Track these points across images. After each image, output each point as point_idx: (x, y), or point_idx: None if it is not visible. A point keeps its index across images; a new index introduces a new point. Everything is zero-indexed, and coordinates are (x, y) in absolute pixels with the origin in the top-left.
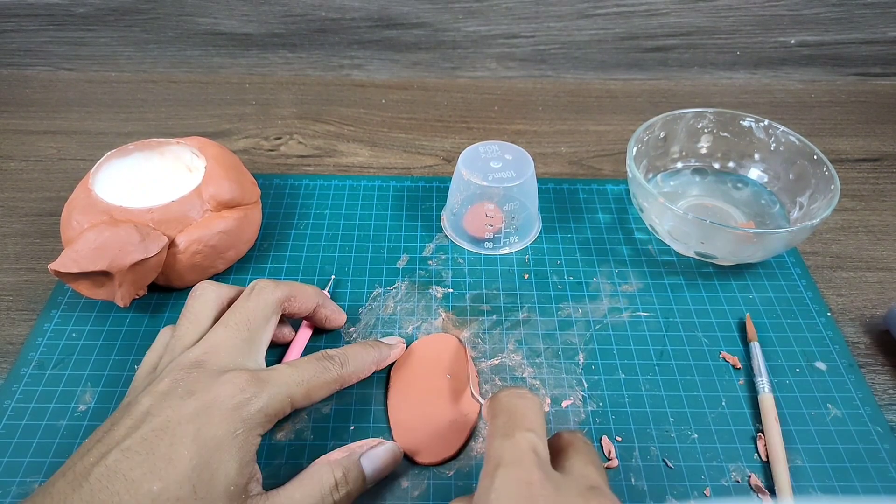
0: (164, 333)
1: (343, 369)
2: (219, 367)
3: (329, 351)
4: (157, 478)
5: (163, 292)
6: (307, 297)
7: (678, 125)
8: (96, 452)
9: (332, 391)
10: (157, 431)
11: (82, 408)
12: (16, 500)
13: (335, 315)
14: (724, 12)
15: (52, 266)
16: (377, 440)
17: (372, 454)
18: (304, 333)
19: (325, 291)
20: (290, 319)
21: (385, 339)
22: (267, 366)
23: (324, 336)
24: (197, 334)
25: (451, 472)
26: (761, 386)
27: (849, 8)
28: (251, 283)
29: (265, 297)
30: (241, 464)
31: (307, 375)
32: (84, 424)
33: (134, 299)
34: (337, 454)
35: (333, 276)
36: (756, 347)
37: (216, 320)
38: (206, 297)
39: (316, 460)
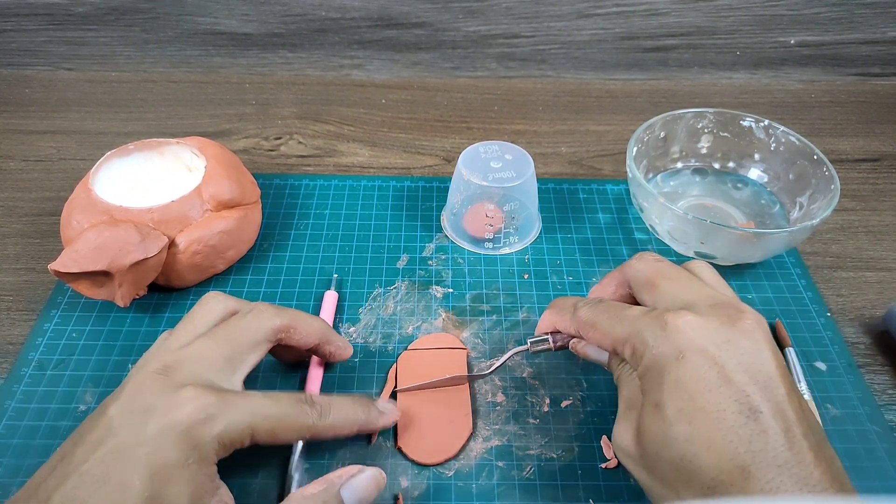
0: (164, 336)
1: (321, 420)
2: (184, 379)
3: (315, 396)
4: None
5: (163, 292)
6: (311, 330)
7: (678, 125)
8: (58, 474)
9: (302, 438)
10: (114, 454)
11: (83, 408)
12: None
13: (340, 351)
14: (724, 12)
15: (52, 266)
16: (357, 467)
17: (353, 484)
18: (317, 370)
19: (317, 315)
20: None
21: (380, 403)
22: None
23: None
24: (189, 342)
25: (451, 473)
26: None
27: (849, 8)
28: (254, 304)
29: (262, 320)
30: (193, 496)
31: (279, 412)
32: None
33: (134, 299)
34: (314, 487)
35: (336, 276)
36: (792, 353)
37: None
38: (210, 307)
39: (290, 496)
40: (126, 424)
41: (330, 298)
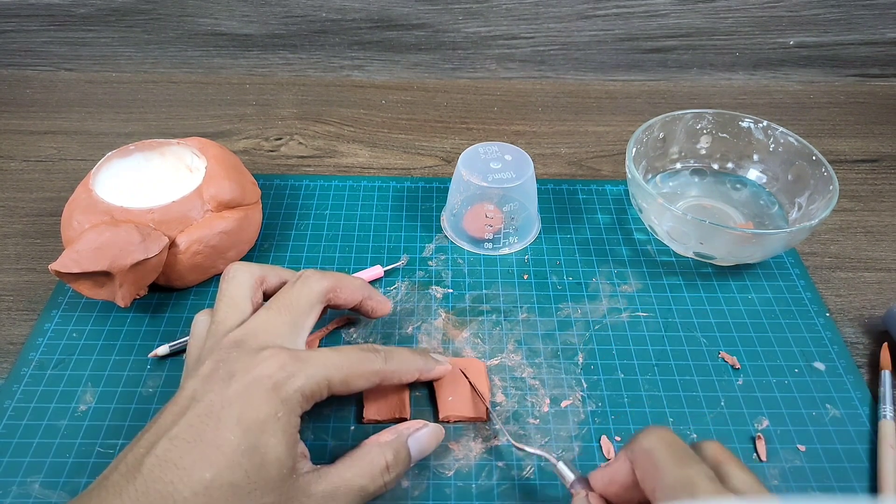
0: (202, 320)
1: (386, 364)
2: (258, 346)
3: (375, 345)
4: (208, 464)
5: (163, 292)
6: (353, 289)
7: (677, 126)
8: (145, 442)
9: (372, 384)
10: (202, 417)
11: (83, 408)
12: (17, 500)
13: (381, 306)
14: (723, 13)
15: (53, 266)
16: (421, 422)
17: (418, 436)
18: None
19: (363, 278)
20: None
21: (435, 355)
22: None
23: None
24: (237, 317)
25: (451, 472)
26: (884, 412)
27: (847, 9)
28: (300, 272)
29: (311, 285)
30: (288, 445)
31: (348, 361)
32: (84, 424)
33: (135, 299)
34: (386, 435)
35: (406, 256)
36: (887, 375)
37: (252, 300)
38: (239, 279)
39: (366, 441)
40: (209, 391)
41: (376, 270)
